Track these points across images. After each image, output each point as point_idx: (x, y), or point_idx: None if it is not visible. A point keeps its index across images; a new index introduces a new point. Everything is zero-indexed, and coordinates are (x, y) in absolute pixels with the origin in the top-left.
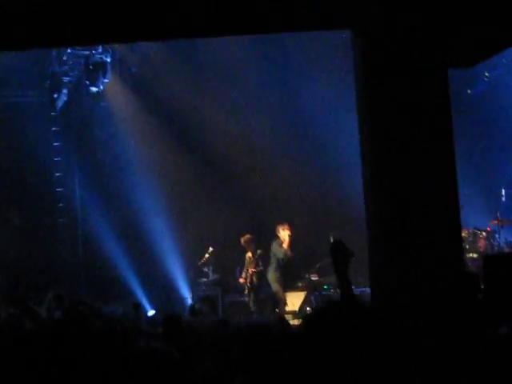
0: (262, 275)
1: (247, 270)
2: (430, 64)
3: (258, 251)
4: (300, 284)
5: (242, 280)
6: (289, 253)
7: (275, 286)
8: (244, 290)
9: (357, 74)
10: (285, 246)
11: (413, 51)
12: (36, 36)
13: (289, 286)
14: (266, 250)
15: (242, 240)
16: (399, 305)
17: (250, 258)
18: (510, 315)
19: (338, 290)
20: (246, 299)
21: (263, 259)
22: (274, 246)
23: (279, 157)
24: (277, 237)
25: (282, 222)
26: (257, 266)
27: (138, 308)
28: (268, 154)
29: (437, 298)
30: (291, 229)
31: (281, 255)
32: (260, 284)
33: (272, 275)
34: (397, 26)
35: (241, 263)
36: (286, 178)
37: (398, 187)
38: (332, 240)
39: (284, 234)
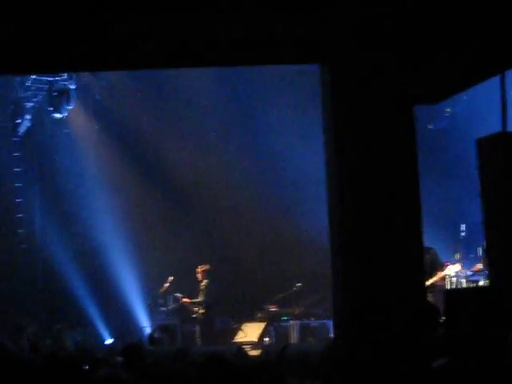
0: (212, 306)
1: (199, 299)
2: (396, 100)
3: (206, 280)
4: (259, 315)
5: (197, 310)
6: None
7: None
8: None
9: (324, 108)
10: None
11: (380, 88)
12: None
13: (248, 316)
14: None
15: (200, 269)
16: (360, 335)
17: (204, 286)
18: (470, 347)
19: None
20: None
21: (215, 289)
22: None
23: (241, 188)
24: None
25: None
26: (207, 296)
27: None
28: (230, 185)
29: (398, 330)
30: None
31: None
32: (211, 315)
33: None
34: (365, 64)
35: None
36: (248, 209)
37: (364, 222)
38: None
39: None
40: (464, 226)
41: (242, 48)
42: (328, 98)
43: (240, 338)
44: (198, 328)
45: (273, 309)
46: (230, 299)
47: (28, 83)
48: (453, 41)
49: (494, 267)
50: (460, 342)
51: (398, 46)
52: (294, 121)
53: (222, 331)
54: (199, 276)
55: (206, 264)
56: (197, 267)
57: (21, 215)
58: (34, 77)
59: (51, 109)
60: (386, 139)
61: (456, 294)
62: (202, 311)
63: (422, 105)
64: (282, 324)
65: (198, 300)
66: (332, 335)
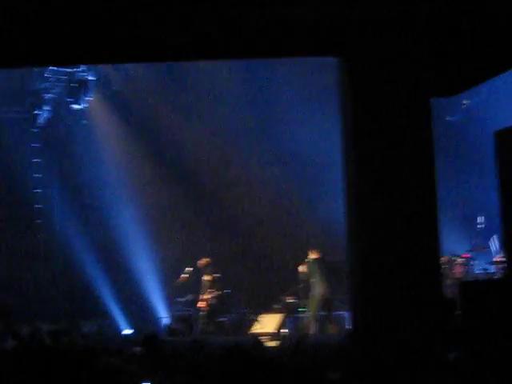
0: (221, 299)
1: (204, 293)
2: (413, 93)
3: (215, 275)
4: (276, 306)
5: (201, 304)
6: None
7: None
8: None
9: (342, 100)
10: None
11: (397, 80)
12: (21, 55)
13: (265, 307)
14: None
15: (199, 263)
16: (378, 330)
17: (206, 281)
18: (485, 339)
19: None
20: (202, 324)
21: (221, 282)
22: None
23: (260, 180)
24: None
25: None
26: (215, 289)
27: None
28: (249, 177)
29: (416, 322)
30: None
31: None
32: (216, 309)
33: None
34: (382, 56)
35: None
36: (266, 199)
37: (380, 213)
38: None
39: None
40: (481, 218)
41: (258, 41)
42: (345, 91)
43: (257, 329)
44: (206, 322)
45: (290, 300)
46: (247, 290)
47: (47, 74)
48: (469, 35)
49: (511, 259)
50: (475, 334)
51: (415, 38)
52: (312, 111)
53: (239, 322)
54: (202, 269)
55: (206, 257)
56: (198, 261)
57: (40, 206)
58: (53, 68)
59: (70, 100)
60: (403, 130)
61: (471, 286)
62: (215, 304)
63: (438, 97)
64: (300, 315)
65: (219, 293)
66: (349, 326)
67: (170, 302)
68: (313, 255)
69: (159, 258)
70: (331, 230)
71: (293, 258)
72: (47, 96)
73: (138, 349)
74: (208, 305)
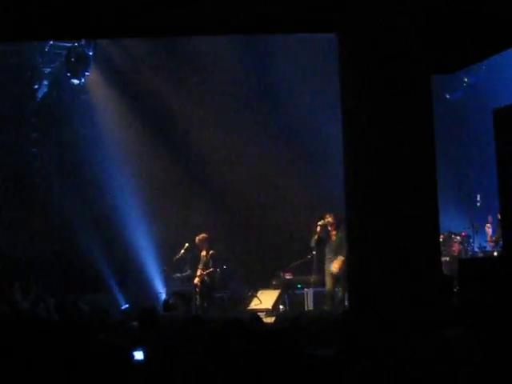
0: (213, 277)
1: (201, 269)
2: (413, 69)
3: (211, 251)
4: (274, 282)
5: (196, 280)
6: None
7: None
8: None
9: (341, 77)
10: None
11: (397, 57)
12: (20, 29)
13: (263, 284)
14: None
15: (197, 239)
16: (375, 307)
17: (203, 256)
18: (482, 317)
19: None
20: (198, 300)
21: (215, 260)
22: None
23: (259, 154)
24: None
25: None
26: (207, 266)
27: None
28: (247, 152)
29: (414, 299)
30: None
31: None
32: (211, 286)
33: None
34: (382, 32)
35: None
36: (264, 177)
37: (379, 191)
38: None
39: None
40: (479, 196)
41: (257, 17)
42: (344, 67)
43: (255, 305)
44: (199, 300)
45: (288, 276)
46: (245, 266)
47: (46, 49)
48: (470, 10)
49: (507, 237)
50: (473, 311)
51: (415, 14)
52: (313, 87)
53: (237, 298)
54: (199, 245)
55: (204, 233)
56: (196, 236)
57: (38, 180)
58: (52, 42)
59: (69, 74)
60: (403, 108)
61: (469, 263)
62: (207, 281)
63: (439, 73)
64: (297, 292)
65: (211, 270)
66: (346, 303)
67: (168, 278)
68: (330, 218)
69: (157, 233)
70: (331, 205)
71: (291, 234)
72: (46, 70)
73: (136, 323)
74: (202, 281)
